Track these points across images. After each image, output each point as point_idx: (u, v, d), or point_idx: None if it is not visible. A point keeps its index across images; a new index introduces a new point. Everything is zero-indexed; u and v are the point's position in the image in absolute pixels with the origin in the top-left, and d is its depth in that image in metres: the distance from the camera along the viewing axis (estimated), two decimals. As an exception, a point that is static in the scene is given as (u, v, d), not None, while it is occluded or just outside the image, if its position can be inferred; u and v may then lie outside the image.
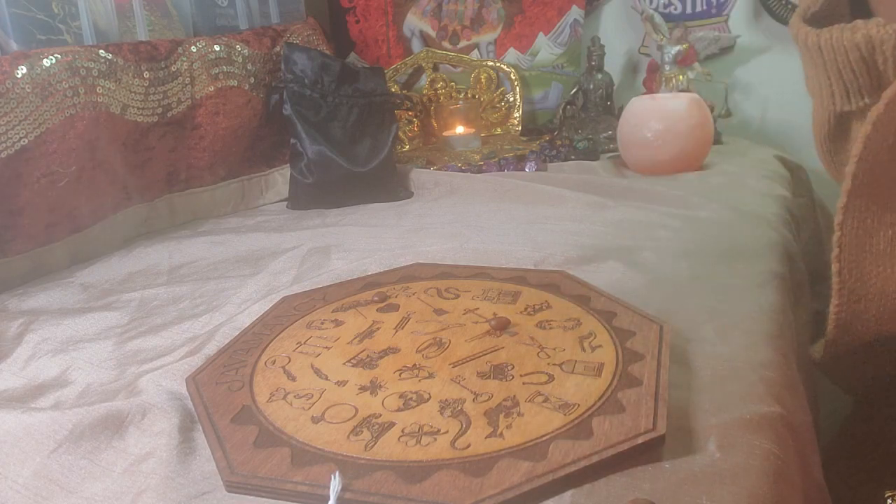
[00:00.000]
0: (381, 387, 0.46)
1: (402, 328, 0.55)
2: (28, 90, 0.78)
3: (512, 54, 1.41)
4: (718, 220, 0.81)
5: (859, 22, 0.44)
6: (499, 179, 1.04)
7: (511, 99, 1.40)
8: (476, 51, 1.43)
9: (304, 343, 0.54)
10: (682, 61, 1.26)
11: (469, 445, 0.39)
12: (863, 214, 0.48)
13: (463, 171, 1.14)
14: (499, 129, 1.42)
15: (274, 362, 0.52)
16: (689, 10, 1.39)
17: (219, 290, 0.72)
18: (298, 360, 0.51)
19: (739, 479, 0.37)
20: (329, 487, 0.36)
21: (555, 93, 1.41)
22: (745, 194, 0.93)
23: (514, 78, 1.39)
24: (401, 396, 0.45)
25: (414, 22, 1.43)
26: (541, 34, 1.40)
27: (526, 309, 0.56)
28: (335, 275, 0.70)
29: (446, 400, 0.44)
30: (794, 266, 0.75)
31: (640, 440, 0.38)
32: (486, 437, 0.40)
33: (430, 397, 0.44)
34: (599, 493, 0.36)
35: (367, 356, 0.51)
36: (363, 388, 0.46)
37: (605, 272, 0.66)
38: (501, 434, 0.40)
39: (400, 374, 0.47)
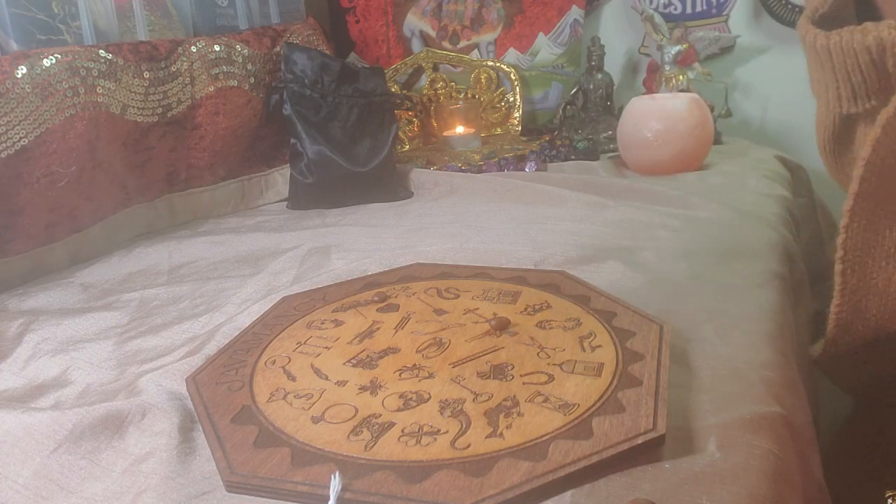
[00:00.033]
0: (381, 387, 0.46)
1: (402, 328, 0.55)
2: (28, 90, 0.78)
3: (512, 54, 1.41)
4: (718, 220, 0.81)
5: (870, 24, 0.43)
6: (499, 179, 1.04)
7: (511, 99, 1.40)
8: (476, 51, 1.43)
9: (304, 343, 0.54)
10: (682, 61, 1.26)
11: (469, 445, 0.39)
12: (869, 217, 0.48)
13: (463, 171, 1.14)
14: (499, 129, 1.42)
15: (274, 362, 0.52)
16: (689, 10, 1.39)
17: (219, 290, 0.72)
18: (298, 360, 0.51)
19: (739, 479, 0.37)
20: (329, 487, 0.36)
21: (555, 93, 1.41)
22: (745, 194, 0.93)
23: (514, 78, 1.39)
24: (401, 396, 0.45)
25: (414, 22, 1.43)
26: (541, 34, 1.40)
27: (526, 309, 0.56)
28: (335, 275, 0.70)
29: (446, 400, 0.44)
30: (794, 266, 0.74)
31: (640, 440, 0.38)
32: (486, 437, 0.39)
33: (430, 397, 0.44)
34: (599, 493, 0.36)
35: (367, 356, 0.51)
36: (363, 388, 0.46)
37: (605, 272, 0.66)
38: (501, 434, 0.40)
39: (400, 374, 0.47)
